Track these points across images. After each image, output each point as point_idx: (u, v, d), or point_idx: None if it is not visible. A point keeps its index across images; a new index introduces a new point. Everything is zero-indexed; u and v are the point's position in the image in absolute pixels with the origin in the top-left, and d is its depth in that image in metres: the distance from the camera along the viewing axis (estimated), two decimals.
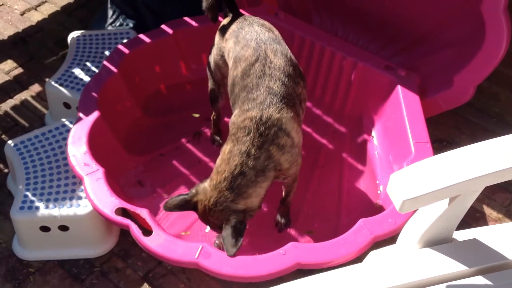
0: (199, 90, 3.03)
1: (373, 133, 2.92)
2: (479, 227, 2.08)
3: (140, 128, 3.00)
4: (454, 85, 2.79)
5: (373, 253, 2.07)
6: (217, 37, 2.63)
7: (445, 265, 1.79)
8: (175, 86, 3.20)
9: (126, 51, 3.00)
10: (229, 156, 2.17)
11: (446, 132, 3.05)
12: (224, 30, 2.58)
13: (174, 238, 2.26)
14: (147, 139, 2.96)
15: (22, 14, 3.84)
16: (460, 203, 1.76)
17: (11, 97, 3.31)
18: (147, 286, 2.49)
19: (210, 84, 2.74)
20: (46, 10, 3.86)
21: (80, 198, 2.53)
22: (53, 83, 3.03)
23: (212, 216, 2.18)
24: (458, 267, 1.78)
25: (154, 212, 2.54)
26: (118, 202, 2.36)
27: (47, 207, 2.50)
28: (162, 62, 3.15)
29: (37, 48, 3.60)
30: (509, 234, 1.94)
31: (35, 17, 3.81)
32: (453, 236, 1.90)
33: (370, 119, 2.95)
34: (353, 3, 3.21)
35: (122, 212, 2.39)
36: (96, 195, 2.39)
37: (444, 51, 2.96)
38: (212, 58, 2.66)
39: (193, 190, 2.23)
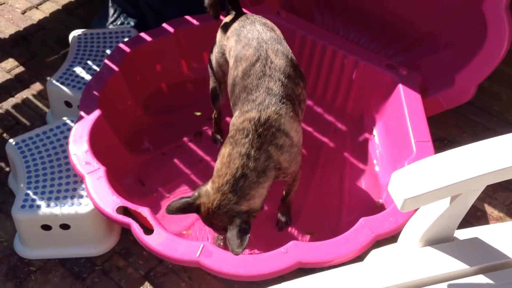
0: (200, 89, 3.03)
1: (375, 132, 2.92)
2: (481, 226, 2.08)
3: (141, 126, 3.00)
4: (455, 84, 2.79)
5: (374, 252, 2.07)
6: (219, 35, 2.63)
7: (447, 264, 1.78)
8: (176, 85, 3.20)
9: (127, 49, 3.00)
10: (229, 159, 2.16)
11: (447, 131, 3.05)
12: (226, 28, 2.58)
13: (175, 236, 2.26)
14: (148, 138, 2.96)
15: (24, 12, 3.84)
16: (462, 202, 1.75)
17: (13, 96, 3.31)
18: (148, 284, 2.49)
19: (211, 82, 2.74)
20: (48, 9, 3.86)
21: (81, 196, 2.53)
22: (54, 81, 3.03)
23: (216, 218, 2.17)
24: (460, 266, 1.78)
25: (155, 211, 2.54)
26: (119, 201, 2.36)
27: (48, 205, 2.50)
28: (163, 61, 3.15)
29: (38, 47, 3.61)
30: (510, 233, 1.93)
31: (37, 15, 3.82)
32: (454, 235, 1.90)
33: (372, 118, 2.95)
34: (355, 2, 3.20)
35: (123, 210, 2.39)
36: (97, 193, 2.39)
37: (445, 50, 2.95)
38: (214, 56, 2.66)
39: (195, 193, 2.22)
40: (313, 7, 3.34)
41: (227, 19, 2.63)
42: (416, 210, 1.96)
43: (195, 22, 3.14)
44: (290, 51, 2.43)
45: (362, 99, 2.98)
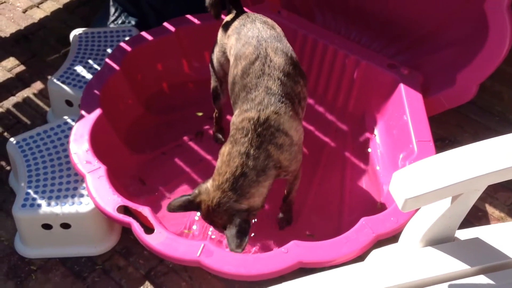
0: (201, 88, 3.04)
1: (376, 132, 2.92)
2: (482, 226, 2.07)
3: (142, 126, 2.99)
4: (457, 83, 2.78)
5: (375, 252, 2.07)
6: (220, 33, 2.63)
7: (447, 264, 1.78)
8: (177, 84, 3.20)
9: (128, 48, 3.00)
10: (228, 158, 2.17)
11: (448, 131, 3.04)
12: (226, 26, 2.58)
13: (176, 236, 2.26)
14: (149, 137, 2.96)
15: (25, 11, 3.84)
16: (463, 202, 1.75)
17: (13, 95, 3.31)
18: (149, 284, 2.49)
19: (212, 82, 2.74)
20: (49, 8, 3.86)
21: (82, 196, 2.53)
22: (55, 80, 3.03)
23: (216, 216, 2.18)
24: (460, 266, 1.77)
25: (156, 210, 2.54)
26: (120, 200, 2.36)
27: (49, 204, 2.50)
28: (164, 60, 3.15)
29: (39, 46, 3.60)
30: (511, 233, 1.93)
31: (37, 14, 3.81)
32: (455, 235, 1.89)
33: (373, 117, 2.95)
34: (356, 2, 3.20)
35: (124, 210, 2.39)
36: (98, 193, 2.39)
37: (447, 50, 2.95)
38: (215, 55, 2.66)
39: (196, 191, 2.23)
40: (314, 6, 3.34)
41: (228, 18, 2.63)
42: (417, 210, 1.96)
43: (196, 21, 3.14)
44: (291, 48, 2.43)
45: (363, 98, 2.98)
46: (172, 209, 2.24)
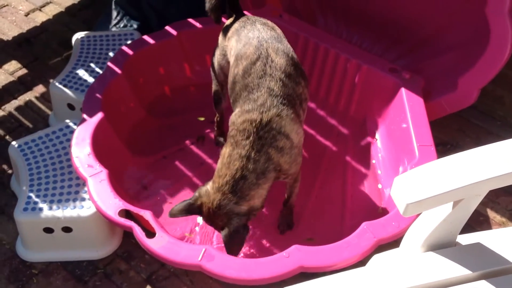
0: (203, 92, 3.04)
1: (377, 136, 2.92)
2: (483, 231, 2.07)
3: (144, 129, 3.00)
4: (458, 88, 2.78)
5: (376, 257, 2.06)
6: (220, 37, 2.64)
7: (449, 269, 1.78)
8: (179, 88, 3.20)
9: (130, 52, 3.00)
10: (229, 160, 2.18)
11: (450, 135, 3.04)
12: (226, 29, 2.59)
13: (177, 240, 2.26)
14: (151, 141, 2.96)
15: (27, 14, 3.85)
16: (464, 206, 1.75)
17: (15, 98, 3.32)
18: None
19: (213, 86, 2.74)
20: (51, 11, 3.86)
21: (83, 199, 2.53)
22: (57, 84, 3.03)
23: (217, 218, 2.20)
24: (462, 271, 1.77)
25: (157, 214, 2.54)
26: (121, 204, 2.36)
27: (50, 208, 2.50)
28: (166, 64, 3.15)
29: (41, 49, 3.61)
30: None
31: (40, 18, 3.82)
32: (456, 240, 1.89)
33: (374, 121, 2.95)
34: (358, 5, 3.20)
35: (126, 214, 2.39)
36: (99, 196, 2.39)
37: (449, 54, 2.95)
38: (216, 58, 2.66)
39: (196, 194, 2.25)
40: (315, 10, 3.34)
41: (228, 22, 2.64)
42: (418, 215, 1.95)
43: (198, 24, 3.14)
44: (291, 49, 2.43)
45: (364, 102, 2.98)
46: (173, 214, 2.25)
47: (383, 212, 2.54)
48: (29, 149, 2.72)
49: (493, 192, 1.95)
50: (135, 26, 3.49)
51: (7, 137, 3.10)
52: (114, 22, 3.52)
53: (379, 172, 2.78)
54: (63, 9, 3.88)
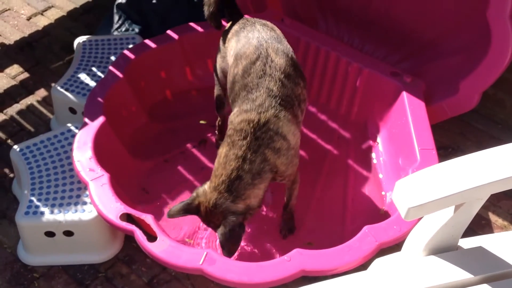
0: (205, 96, 3.04)
1: (378, 140, 2.92)
2: (485, 235, 2.07)
3: (145, 133, 3.00)
4: (460, 91, 2.78)
5: (378, 261, 2.06)
6: (221, 41, 2.65)
7: (451, 273, 1.78)
8: (181, 92, 3.20)
9: (132, 56, 3.00)
10: (225, 161, 2.20)
11: (451, 139, 3.04)
12: (226, 33, 2.61)
13: (179, 244, 2.26)
14: (152, 145, 2.96)
15: (29, 19, 3.85)
16: (466, 210, 1.75)
17: (17, 102, 3.32)
18: None
19: (216, 90, 2.75)
20: (52, 15, 3.87)
21: (85, 203, 2.53)
22: (59, 88, 3.03)
23: (214, 217, 2.21)
24: (464, 275, 1.77)
25: (158, 218, 2.54)
26: (123, 208, 2.37)
27: (52, 212, 2.50)
28: (168, 68, 3.15)
29: (43, 53, 3.61)
30: None
31: (41, 22, 3.83)
32: (458, 244, 1.89)
33: (375, 125, 2.95)
34: (359, 9, 3.21)
35: (127, 217, 2.39)
36: (101, 200, 2.39)
37: (450, 58, 2.95)
38: (218, 63, 2.67)
39: (194, 194, 2.28)
40: (317, 14, 3.35)
41: (227, 25, 2.65)
42: (420, 218, 1.95)
43: (199, 28, 3.14)
44: (291, 49, 2.44)
45: (366, 106, 2.98)
46: (172, 215, 2.27)
47: (385, 215, 2.53)
48: (31, 153, 2.72)
49: (494, 196, 1.95)
50: (136, 30, 3.50)
51: (9, 141, 3.11)
52: (115, 26, 3.53)
53: (380, 176, 2.78)
54: (65, 13, 3.88)
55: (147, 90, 3.10)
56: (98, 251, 2.57)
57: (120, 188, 2.55)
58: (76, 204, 2.53)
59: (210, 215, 2.21)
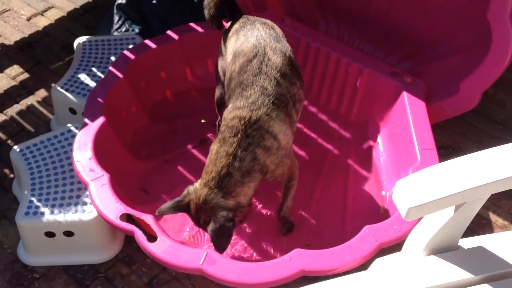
0: (205, 96, 3.05)
1: (379, 140, 2.91)
2: (485, 235, 2.07)
3: (145, 133, 3.00)
4: (460, 91, 2.78)
5: (378, 261, 2.06)
6: (222, 40, 2.65)
7: (451, 273, 1.77)
8: (181, 92, 3.20)
9: (132, 56, 3.00)
10: (216, 157, 2.21)
11: (451, 139, 3.04)
12: (227, 32, 2.61)
13: (179, 244, 2.26)
14: (152, 145, 2.96)
15: (29, 19, 3.85)
16: (466, 210, 1.75)
17: (17, 102, 3.32)
18: None
19: (217, 89, 2.75)
20: (53, 16, 3.87)
21: (85, 204, 2.53)
22: (59, 88, 3.03)
23: (203, 213, 2.21)
24: (464, 275, 1.77)
25: (158, 218, 2.54)
26: (123, 208, 2.36)
27: (52, 212, 2.50)
28: (168, 68, 3.15)
29: (43, 53, 3.61)
30: None
31: (42, 22, 3.83)
32: (459, 244, 1.89)
33: (376, 125, 2.94)
34: (360, 10, 3.20)
35: (127, 218, 2.39)
36: (101, 201, 2.39)
37: (450, 58, 2.95)
38: (218, 62, 2.67)
39: (185, 192, 2.27)
40: (317, 14, 3.35)
41: (228, 24, 2.66)
42: (420, 218, 1.95)
43: (199, 29, 3.14)
44: (290, 49, 2.44)
45: (366, 106, 2.98)
46: (162, 212, 2.27)
47: (385, 215, 2.53)
48: (31, 154, 2.72)
49: (495, 196, 1.95)
50: (136, 30, 3.49)
51: (9, 141, 3.11)
52: (115, 26, 3.53)
53: (381, 175, 2.78)
54: (65, 14, 3.88)
55: (147, 91, 3.10)
56: (98, 252, 2.57)
57: (120, 188, 2.55)
58: (76, 204, 2.53)
59: (200, 212, 2.21)
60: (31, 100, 3.33)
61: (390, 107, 2.85)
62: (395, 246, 2.24)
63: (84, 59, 3.21)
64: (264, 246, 2.53)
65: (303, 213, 2.65)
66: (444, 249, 1.85)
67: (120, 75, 2.91)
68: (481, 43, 2.72)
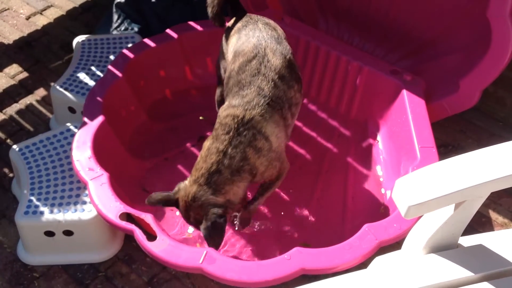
0: (204, 95, 3.05)
1: (378, 138, 2.91)
2: (485, 233, 2.06)
3: (145, 132, 2.99)
4: (460, 89, 2.78)
5: (378, 259, 2.06)
6: (223, 38, 2.65)
7: (451, 271, 1.77)
8: (180, 91, 3.19)
9: (131, 55, 3.00)
10: (207, 154, 2.22)
11: (451, 137, 3.04)
12: (229, 30, 2.61)
13: (179, 243, 2.26)
14: (151, 144, 2.96)
15: (28, 18, 3.85)
16: (466, 208, 1.75)
17: (16, 101, 3.32)
18: None
19: (218, 88, 2.74)
20: (52, 15, 3.87)
21: (84, 203, 2.53)
22: (58, 87, 3.03)
23: (193, 210, 2.21)
24: (464, 273, 1.76)
25: (158, 217, 2.54)
26: (122, 207, 2.36)
27: (51, 212, 2.50)
28: (167, 67, 3.15)
29: (42, 52, 3.61)
30: None
31: (41, 21, 3.82)
32: (459, 242, 1.89)
33: (375, 123, 2.94)
34: (359, 8, 3.20)
35: (127, 217, 2.39)
36: (100, 200, 2.39)
37: (450, 56, 2.95)
38: (220, 61, 2.67)
39: (176, 188, 2.28)
40: (317, 13, 3.34)
41: (230, 23, 2.65)
42: (420, 216, 1.95)
43: (198, 27, 3.14)
44: (290, 51, 2.44)
45: (366, 104, 2.98)
46: (151, 202, 2.27)
47: (385, 213, 2.53)
48: (30, 153, 2.72)
49: (495, 194, 1.94)
50: (136, 29, 3.49)
51: (8, 140, 3.10)
52: (115, 25, 3.52)
53: (380, 174, 2.78)
54: (64, 13, 3.88)
55: (147, 89, 3.10)
56: (98, 251, 2.56)
57: (120, 187, 2.54)
58: (75, 203, 2.53)
59: (190, 209, 2.21)
60: (30, 99, 3.33)
61: (390, 105, 2.85)
62: (395, 244, 2.24)
63: (83, 58, 3.21)
64: (263, 245, 2.53)
65: (302, 211, 2.64)
66: (444, 247, 1.85)
67: (119, 74, 2.90)
68: (481, 42, 2.71)
